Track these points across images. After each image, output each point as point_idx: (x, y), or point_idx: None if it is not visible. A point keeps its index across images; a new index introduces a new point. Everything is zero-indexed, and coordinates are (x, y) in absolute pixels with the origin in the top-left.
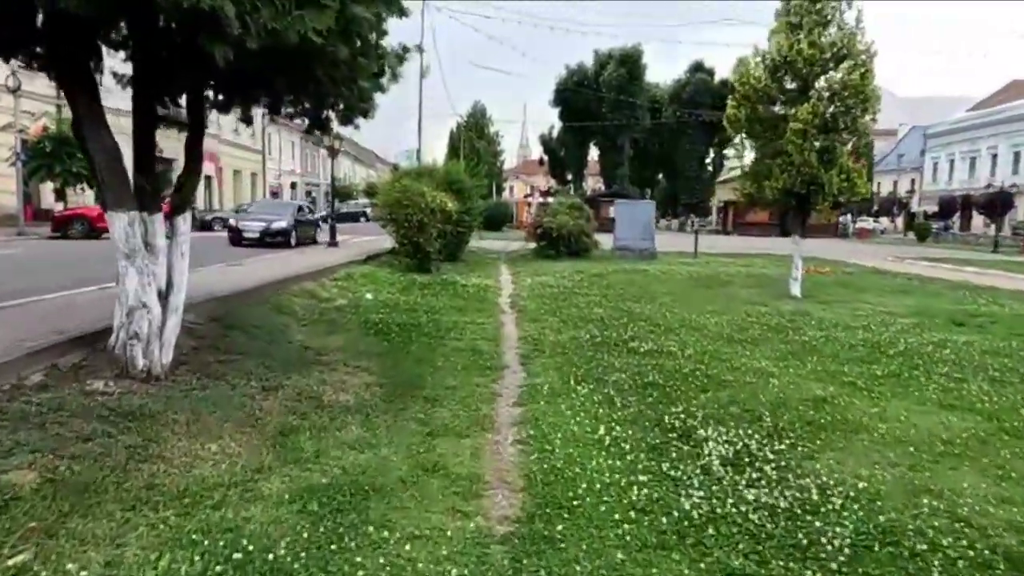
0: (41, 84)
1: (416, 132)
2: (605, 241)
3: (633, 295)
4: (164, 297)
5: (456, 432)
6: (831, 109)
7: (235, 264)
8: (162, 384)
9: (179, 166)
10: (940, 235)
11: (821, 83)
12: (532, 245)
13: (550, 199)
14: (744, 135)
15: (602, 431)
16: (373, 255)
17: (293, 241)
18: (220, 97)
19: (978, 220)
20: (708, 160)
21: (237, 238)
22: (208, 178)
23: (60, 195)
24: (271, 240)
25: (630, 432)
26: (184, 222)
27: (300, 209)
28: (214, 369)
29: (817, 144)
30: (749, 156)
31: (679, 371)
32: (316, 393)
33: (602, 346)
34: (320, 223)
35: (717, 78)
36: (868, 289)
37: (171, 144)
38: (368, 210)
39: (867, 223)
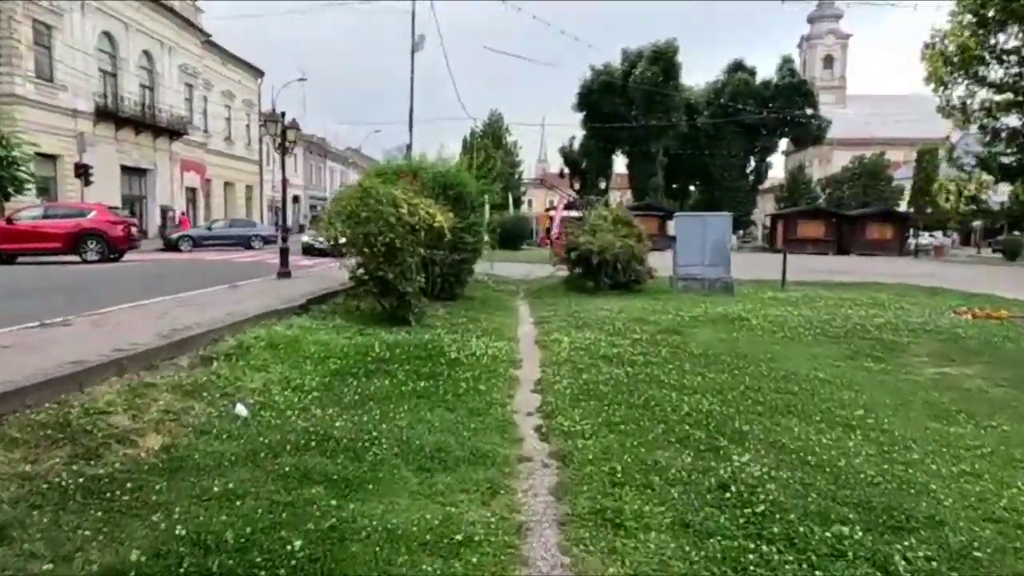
0: None
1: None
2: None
3: (766, 382)
4: None
5: None
6: None
7: (52, 323)
8: None
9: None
10: None
11: None
12: (562, 271)
13: (574, 212)
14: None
15: None
16: (323, 296)
17: None
18: None
19: None
20: (749, 169)
21: None
22: (192, 190)
23: None
24: None
25: None
26: None
27: None
28: None
29: None
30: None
31: None
32: None
33: None
34: None
35: (759, 78)
36: None
37: (144, 152)
38: None
39: (933, 238)
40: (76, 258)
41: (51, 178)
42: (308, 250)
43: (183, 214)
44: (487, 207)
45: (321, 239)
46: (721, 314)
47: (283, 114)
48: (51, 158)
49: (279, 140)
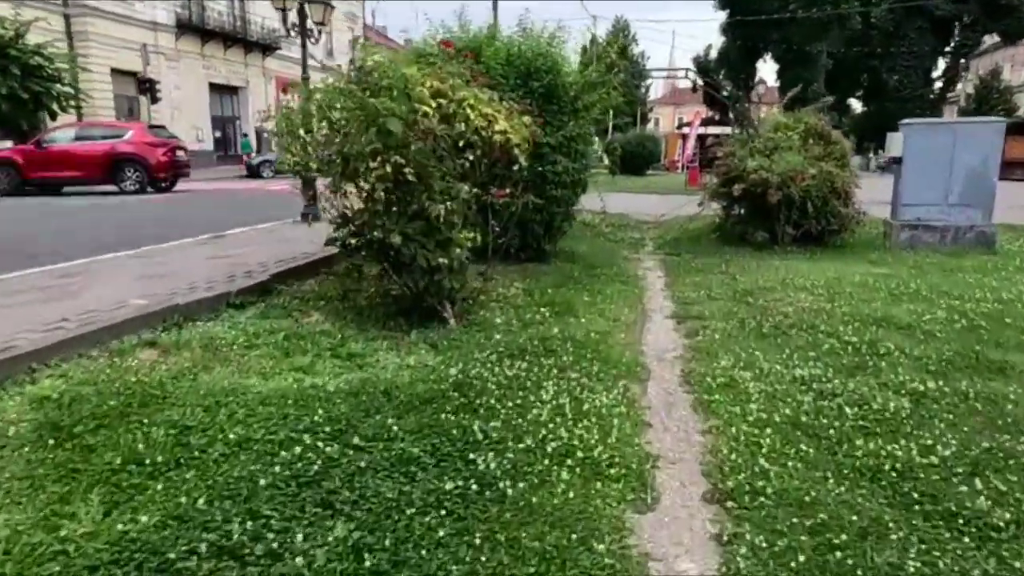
0: None
1: None
2: None
3: None
4: None
5: None
6: None
7: None
8: None
9: None
10: None
11: None
12: (711, 209)
13: (716, 129)
14: None
15: None
16: (316, 262)
17: None
18: None
19: None
20: (936, 74)
21: None
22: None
23: None
24: None
25: None
26: None
27: None
28: None
29: None
30: None
31: None
32: None
33: None
34: None
35: None
36: None
37: (235, 68)
38: None
39: None
40: (114, 188)
41: (133, 97)
42: None
43: None
44: (610, 116)
45: None
46: None
47: None
48: (131, 75)
49: (295, 23)
